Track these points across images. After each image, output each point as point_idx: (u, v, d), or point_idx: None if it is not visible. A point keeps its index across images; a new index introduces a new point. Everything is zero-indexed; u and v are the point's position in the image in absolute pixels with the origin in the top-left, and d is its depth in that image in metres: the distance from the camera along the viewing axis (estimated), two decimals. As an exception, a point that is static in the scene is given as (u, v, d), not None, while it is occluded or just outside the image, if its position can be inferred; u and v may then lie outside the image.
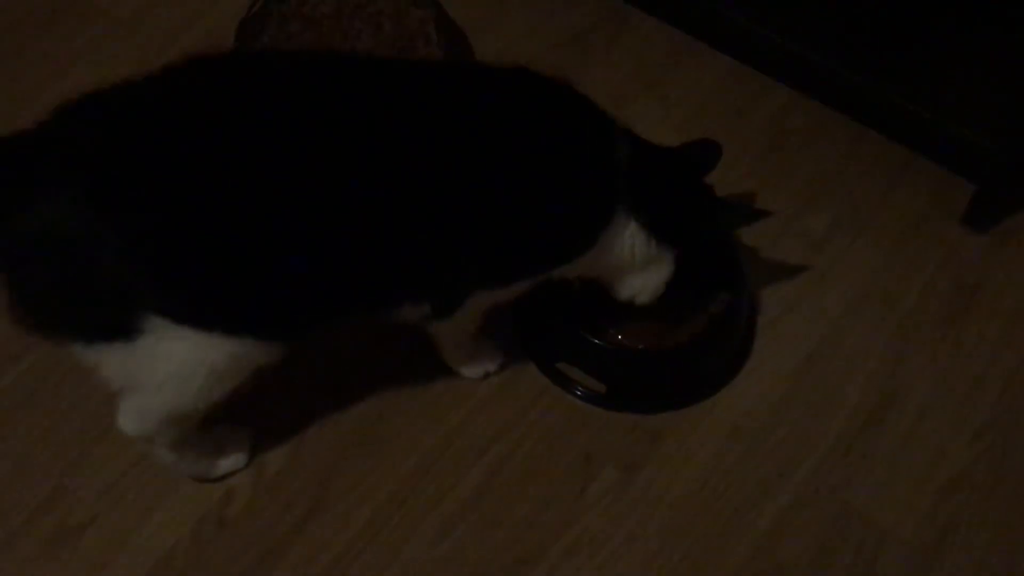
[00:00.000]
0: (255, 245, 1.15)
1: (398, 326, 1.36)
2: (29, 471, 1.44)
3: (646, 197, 1.34)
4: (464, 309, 1.36)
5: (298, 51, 1.58)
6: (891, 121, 1.74)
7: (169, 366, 1.20)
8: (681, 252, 1.40)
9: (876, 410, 1.52)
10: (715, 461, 1.48)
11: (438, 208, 1.22)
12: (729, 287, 1.52)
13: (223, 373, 1.23)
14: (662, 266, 1.40)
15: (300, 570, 1.37)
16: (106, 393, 1.27)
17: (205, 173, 1.12)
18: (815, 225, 1.71)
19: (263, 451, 1.46)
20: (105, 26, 1.90)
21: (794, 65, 1.78)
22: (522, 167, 1.25)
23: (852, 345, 1.59)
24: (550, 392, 1.53)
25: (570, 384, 1.52)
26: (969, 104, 1.62)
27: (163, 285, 1.14)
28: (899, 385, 1.55)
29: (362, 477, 1.45)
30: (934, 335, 1.60)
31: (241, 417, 1.43)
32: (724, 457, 1.48)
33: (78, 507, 1.41)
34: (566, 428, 1.50)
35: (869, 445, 1.49)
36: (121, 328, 1.15)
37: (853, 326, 1.61)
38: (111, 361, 1.19)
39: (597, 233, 1.32)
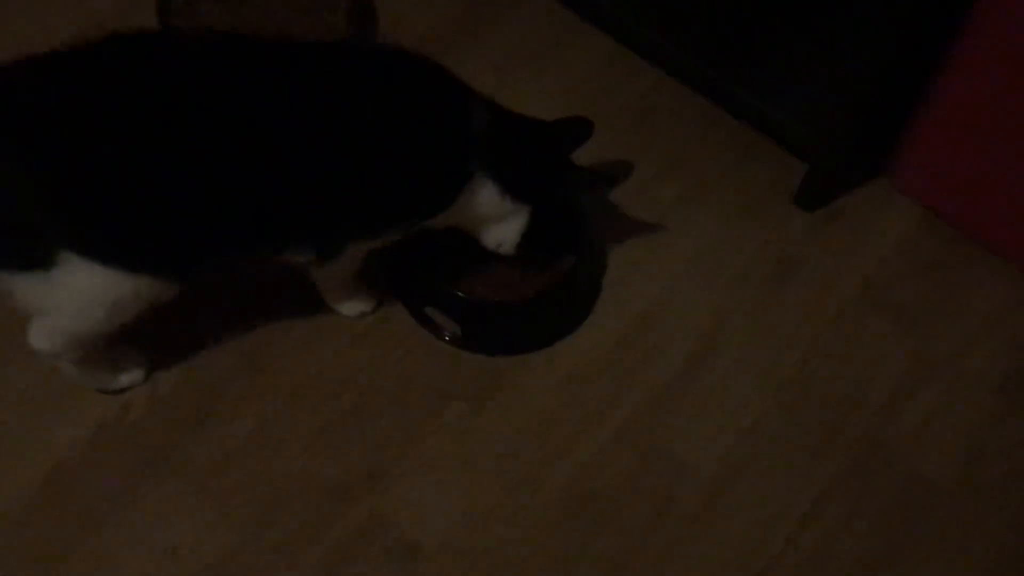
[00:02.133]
0: (155, 196, 1.36)
1: (285, 268, 1.57)
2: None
3: (502, 161, 1.56)
4: (343, 255, 1.57)
5: (197, 29, 1.78)
6: (737, 108, 1.96)
7: (77, 295, 1.40)
8: (535, 208, 1.62)
9: (694, 362, 1.76)
10: (550, 400, 1.71)
11: (316, 168, 1.42)
12: (574, 250, 1.75)
13: (125, 304, 1.44)
14: (518, 219, 1.62)
15: (186, 473, 1.59)
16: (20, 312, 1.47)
17: (111, 132, 1.32)
18: (665, 194, 1.93)
19: (159, 370, 1.67)
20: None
21: (659, 53, 2.00)
22: (388, 134, 1.46)
23: (682, 304, 1.82)
24: (416, 332, 1.75)
25: (434, 327, 1.75)
26: (798, 98, 1.85)
27: (75, 226, 1.34)
28: (718, 341, 1.78)
29: (244, 397, 1.66)
30: (753, 299, 1.83)
31: (141, 338, 1.62)
32: (558, 397, 1.71)
33: (-11, 410, 1.62)
34: (426, 364, 1.73)
35: (683, 392, 1.73)
36: (37, 260, 1.36)
37: (685, 287, 1.83)
38: (26, 288, 1.40)
39: (455, 191, 1.54)
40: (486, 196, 1.57)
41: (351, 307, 1.75)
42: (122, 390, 1.64)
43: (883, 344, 1.81)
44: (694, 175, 1.96)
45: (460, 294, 1.70)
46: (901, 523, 1.65)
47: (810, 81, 1.87)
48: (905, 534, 1.64)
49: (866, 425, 1.73)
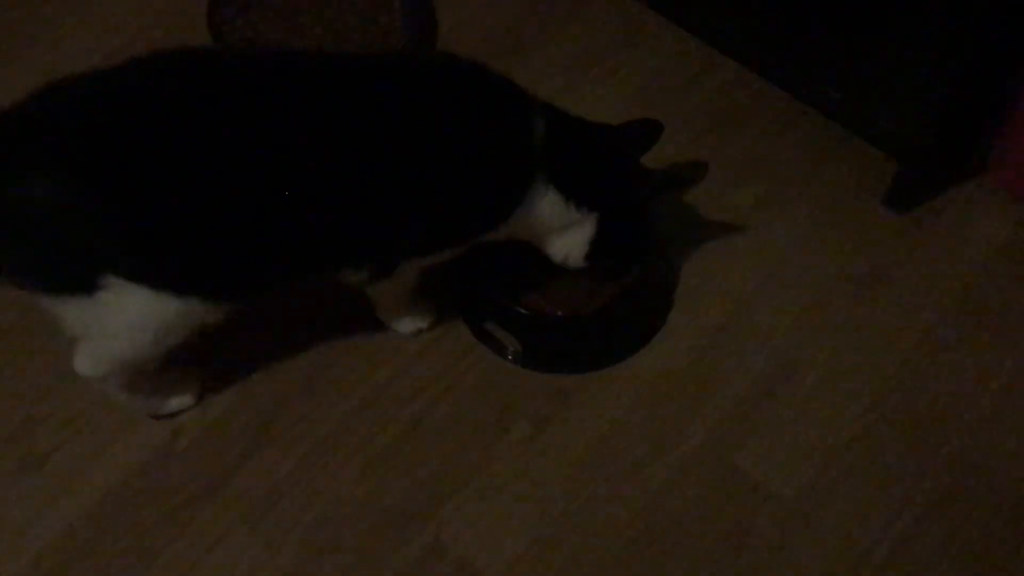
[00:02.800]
0: (204, 217, 1.31)
1: (338, 286, 1.51)
2: (2, 403, 1.62)
3: (565, 167, 1.48)
4: (400, 272, 1.51)
5: (247, 47, 1.74)
6: (821, 103, 1.85)
7: (123, 318, 1.37)
8: (603, 216, 1.53)
9: (775, 380, 1.66)
10: (619, 421, 1.63)
11: (372, 185, 1.37)
12: (644, 260, 1.66)
13: (171, 327, 1.40)
14: (585, 228, 1.54)
15: (239, 500, 1.55)
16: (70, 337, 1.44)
17: (159, 154, 1.28)
18: (743, 198, 1.83)
19: (210, 393, 1.63)
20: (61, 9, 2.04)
21: (736, 47, 1.89)
22: (445, 146, 1.40)
23: (762, 317, 1.72)
24: (475, 349, 1.69)
25: (495, 343, 1.68)
26: (887, 91, 1.73)
27: (123, 249, 1.31)
28: (800, 357, 1.68)
29: (299, 420, 1.62)
30: (839, 310, 1.73)
31: (191, 361, 1.58)
32: (627, 417, 1.63)
33: (44, 437, 1.59)
34: (487, 383, 1.66)
35: (764, 412, 1.63)
36: (83, 284, 1.33)
37: (766, 299, 1.74)
38: (72, 311, 1.37)
39: (516, 201, 1.47)
40: (549, 205, 1.49)
41: (407, 324, 1.68)
42: (172, 414, 1.61)
43: (981, 357, 1.69)
44: (774, 176, 1.86)
45: (522, 309, 1.63)
46: (1001, 550, 1.53)
47: (900, 72, 1.74)
48: (1007, 562, 1.52)
49: (963, 446, 1.61)
